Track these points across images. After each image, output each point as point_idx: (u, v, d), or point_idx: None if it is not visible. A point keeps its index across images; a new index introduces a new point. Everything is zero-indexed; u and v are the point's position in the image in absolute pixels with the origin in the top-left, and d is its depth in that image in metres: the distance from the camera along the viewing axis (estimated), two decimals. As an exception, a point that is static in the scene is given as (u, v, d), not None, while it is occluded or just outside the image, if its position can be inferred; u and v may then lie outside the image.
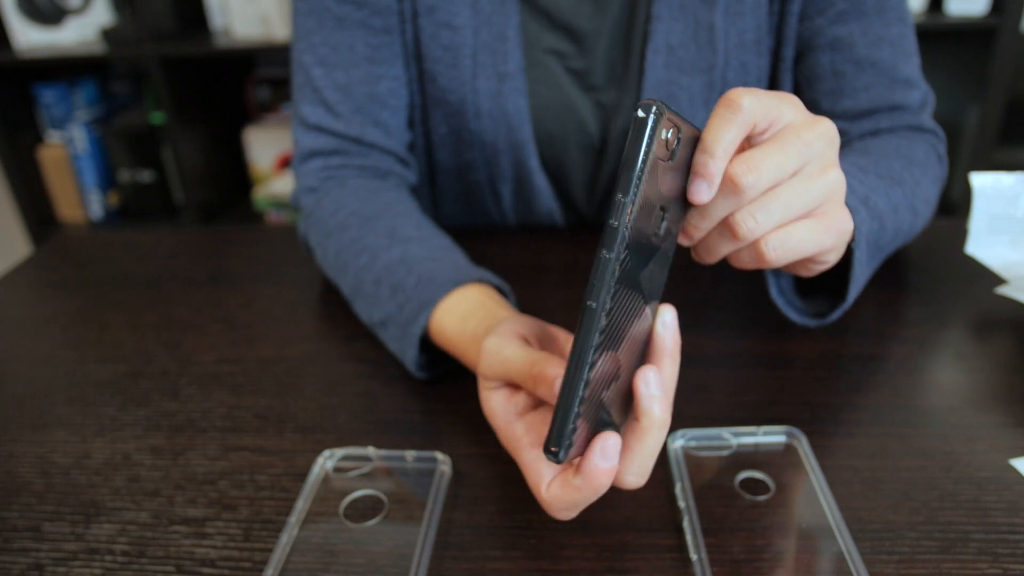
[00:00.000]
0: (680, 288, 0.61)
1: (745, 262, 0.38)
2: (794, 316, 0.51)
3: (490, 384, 0.40)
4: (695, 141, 0.34)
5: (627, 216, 0.30)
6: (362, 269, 0.54)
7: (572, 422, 0.30)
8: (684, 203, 0.35)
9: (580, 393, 0.30)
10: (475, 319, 0.46)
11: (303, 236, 0.65)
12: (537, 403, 0.39)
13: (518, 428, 0.38)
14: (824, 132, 0.36)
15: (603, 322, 0.30)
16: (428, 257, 0.52)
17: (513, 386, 0.40)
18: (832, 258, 0.41)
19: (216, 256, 0.72)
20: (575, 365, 0.30)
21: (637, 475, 0.34)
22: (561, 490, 0.34)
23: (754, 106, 0.35)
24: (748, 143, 0.37)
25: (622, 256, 0.30)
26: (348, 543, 0.38)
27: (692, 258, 0.40)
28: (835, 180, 0.37)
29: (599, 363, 0.31)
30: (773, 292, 0.50)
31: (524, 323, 0.42)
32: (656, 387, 0.33)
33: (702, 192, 0.34)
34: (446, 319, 0.48)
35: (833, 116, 0.65)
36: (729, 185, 0.35)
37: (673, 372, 0.35)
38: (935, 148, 0.63)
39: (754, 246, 0.37)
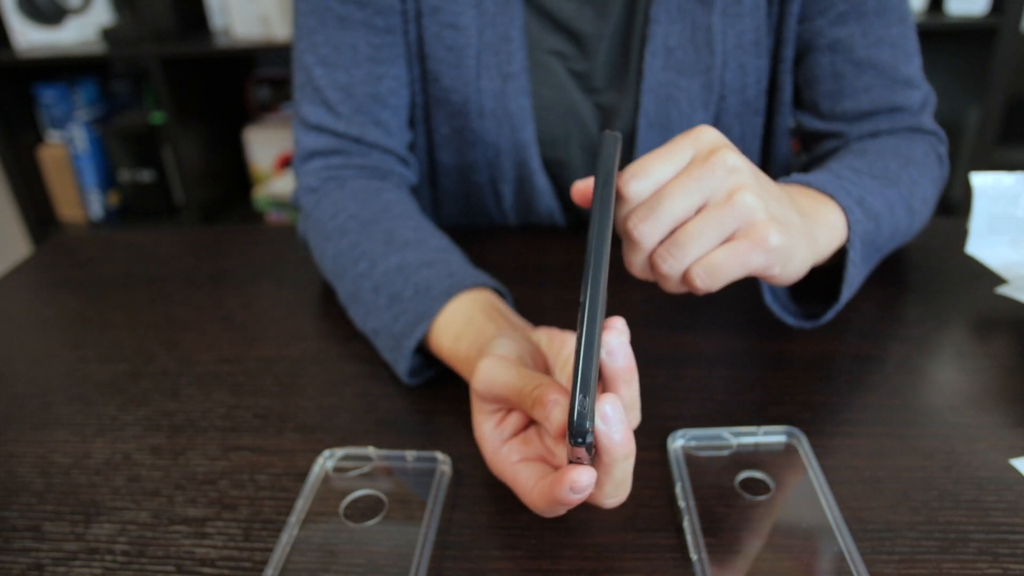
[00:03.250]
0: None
1: (677, 289, 0.41)
2: (789, 320, 0.51)
3: (486, 407, 0.40)
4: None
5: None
6: (360, 276, 0.54)
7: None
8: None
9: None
10: (467, 339, 0.46)
11: (302, 236, 0.65)
12: (521, 429, 0.40)
13: (504, 451, 0.38)
14: (718, 164, 0.38)
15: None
16: (425, 263, 0.52)
17: (505, 411, 0.40)
18: (776, 272, 0.41)
19: (216, 256, 0.72)
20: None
21: (614, 497, 0.34)
22: (539, 499, 0.34)
23: (637, 190, 0.38)
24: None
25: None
26: (348, 543, 0.38)
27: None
28: (744, 202, 0.38)
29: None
30: (768, 299, 0.50)
31: (514, 343, 0.42)
32: (614, 422, 0.31)
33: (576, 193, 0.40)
34: (442, 338, 0.48)
35: (833, 117, 0.65)
36: (618, 195, 0.38)
37: (630, 394, 0.34)
38: (935, 149, 0.63)
39: (683, 276, 0.39)
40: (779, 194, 0.41)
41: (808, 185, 0.49)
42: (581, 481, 0.31)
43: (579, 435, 0.30)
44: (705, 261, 0.38)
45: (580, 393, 0.30)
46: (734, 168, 0.38)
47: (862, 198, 0.50)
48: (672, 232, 0.39)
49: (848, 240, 0.47)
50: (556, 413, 0.34)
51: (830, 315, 0.49)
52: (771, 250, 0.39)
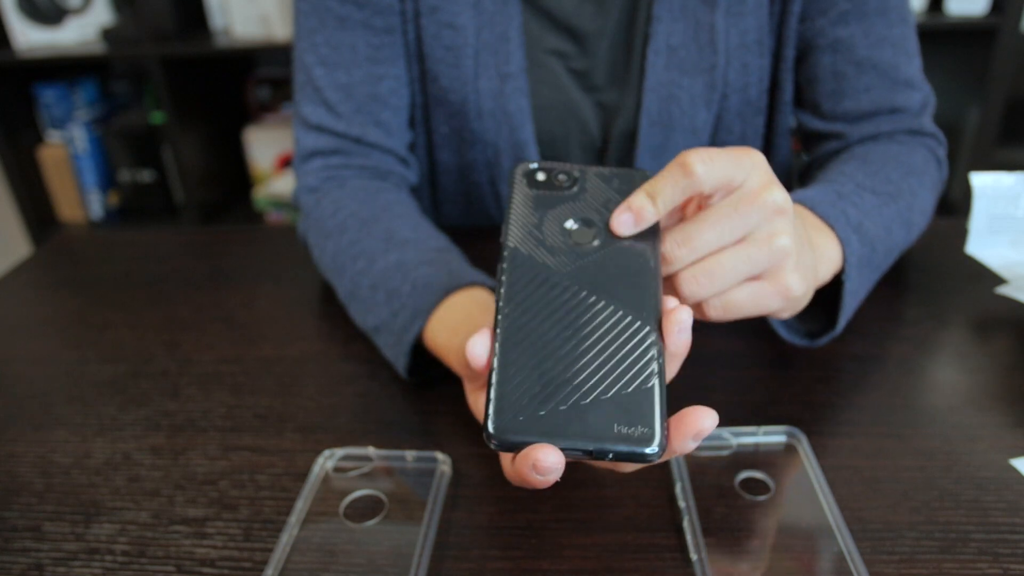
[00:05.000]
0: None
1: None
2: (783, 334, 0.51)
3: (473, 385, 0.41)
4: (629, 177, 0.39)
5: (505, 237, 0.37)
6: (359, 273, 0.54)
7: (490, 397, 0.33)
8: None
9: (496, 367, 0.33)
10: (463, 332, 0.46)
11: (302, 235, 0.65)
12: None
13: None
14: (768, 204, 0.37)
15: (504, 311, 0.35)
16: (424, 261, 0.52)
17: None
18: (785, 315, 0.42)
19: (216, 256, 0.72)
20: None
21: None
22: (512, 473, 0.34)
23: (707, 174, 0.36)
24: (701, 203, 0.39)
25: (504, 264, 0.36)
26: (348, 543, 0.38)
27: None
28: (781, 249, 0.38)
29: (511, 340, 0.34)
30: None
31: None
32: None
33: (623, 223, 0.37)
34: (438, 331, 0.48)
35: (834, 117, 0.65)
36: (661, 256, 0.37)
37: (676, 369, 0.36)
38: (934, 153, 0.63)
39: (696, 305, 0.39)
40: (802, 233, 0.41)
41: (812, 209, 0.49)
42: (546, 464, 0.30)
43: (653, 457, 0.31)
44: (724, 297, 0.38)
45: (666, 419, 0.31)
46: (781, 209, 0.37)
47: (860, 224, 0.50)
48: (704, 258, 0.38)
49: (844, 271, 0.48)
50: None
51: (825, 340, 0.50)
52: (790, 299, 0.39)
